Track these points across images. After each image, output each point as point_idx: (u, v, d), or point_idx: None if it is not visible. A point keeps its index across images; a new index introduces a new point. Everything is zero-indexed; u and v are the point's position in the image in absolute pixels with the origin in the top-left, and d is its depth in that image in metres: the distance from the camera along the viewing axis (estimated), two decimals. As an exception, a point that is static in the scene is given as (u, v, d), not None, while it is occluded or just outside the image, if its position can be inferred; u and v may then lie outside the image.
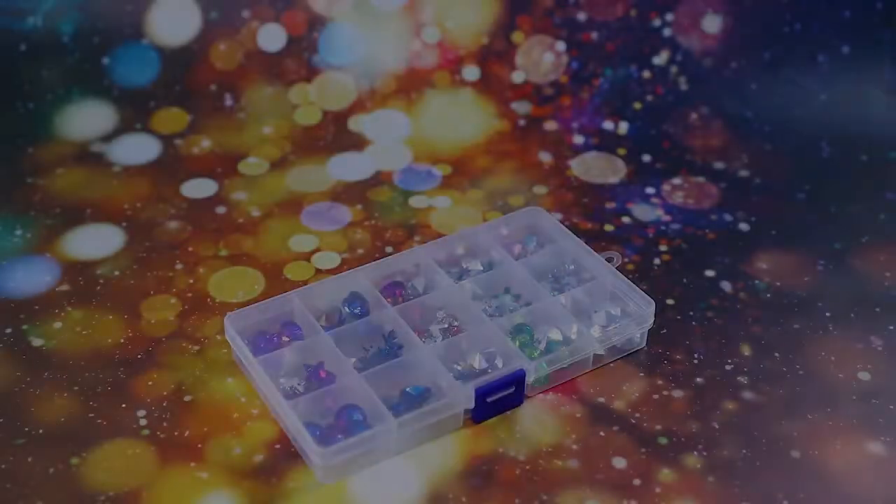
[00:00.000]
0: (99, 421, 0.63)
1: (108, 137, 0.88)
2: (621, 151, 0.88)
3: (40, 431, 0.62)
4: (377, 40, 0.93)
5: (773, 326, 0.70)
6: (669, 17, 0.93)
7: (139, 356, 0.67)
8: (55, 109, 0.89)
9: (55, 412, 0.64)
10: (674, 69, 0.93)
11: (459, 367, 0.65)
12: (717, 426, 0.63)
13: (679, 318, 0.71)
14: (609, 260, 0.72)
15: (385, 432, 0.60)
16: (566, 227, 0.75)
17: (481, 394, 0.62)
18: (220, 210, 0.81)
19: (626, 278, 0.69)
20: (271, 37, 0.92)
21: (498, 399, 0.63)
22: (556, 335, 0.66)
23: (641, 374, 0.67)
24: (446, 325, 0.67)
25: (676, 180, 0.84)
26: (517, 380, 0.63)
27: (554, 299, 0.68)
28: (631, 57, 0.93)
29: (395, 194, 0.83)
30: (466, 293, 0.69)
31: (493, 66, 0.93)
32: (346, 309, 0.68)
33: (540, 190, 0.83)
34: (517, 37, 0.93)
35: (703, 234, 0.79)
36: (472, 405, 0.62)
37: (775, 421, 0.63)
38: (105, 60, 0.90)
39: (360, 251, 0.76)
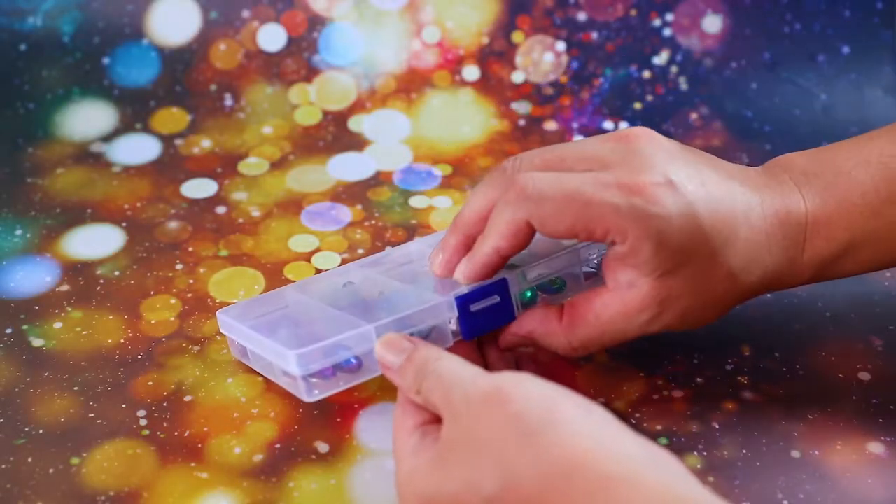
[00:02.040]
0: (99, 421, 0.63)
1: (108, 137, 0.88)
2: (621, 151, 0.88)
3: (40, 431, 0.62)
4: (377, 40, 0.93)
5: (773, 326, 0.70)
6: (669, 17, 0.93)
7: (139, 356, 0.68)
8: (55, 109, 0.89)
9: (55, 412, 0.64)
10: (674, 69, 0.93)
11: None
12: (717, 426, 0.63)
13: (679, 318, 0.71)
14: None
15: (362, 336, 0.58)
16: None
17: (463, 303, 0.60)
18: (220, 210, 0.81)
19: None
20: (271, 37, 0.92)
21: (485, 311, 0.61)
22: (543, 269, 0.65)
23: (642, 374, 0.67)
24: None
25: (676, 180, 0.84)
26: (500, 288, 0.61)
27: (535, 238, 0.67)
28: (631, 57, 0.93)
29: (395, 194, 0.83)
30: None
31: (493, 66, 0.93)
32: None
33: (540, 190, 0.83)
34: (517, 37, 0.93)
35: (703, 234, 0.79)
36: (455, 314, 0.60)
37: (775, 421, 0.63)
38: (105, 60, 0.90)
39: (361, 251, 0.76)
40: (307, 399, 0.59)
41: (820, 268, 0.61)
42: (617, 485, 0.43)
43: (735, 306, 0.61)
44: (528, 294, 0.63)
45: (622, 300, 0.57)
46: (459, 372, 0.51)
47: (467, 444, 0.48)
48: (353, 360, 0.59)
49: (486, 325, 0.62)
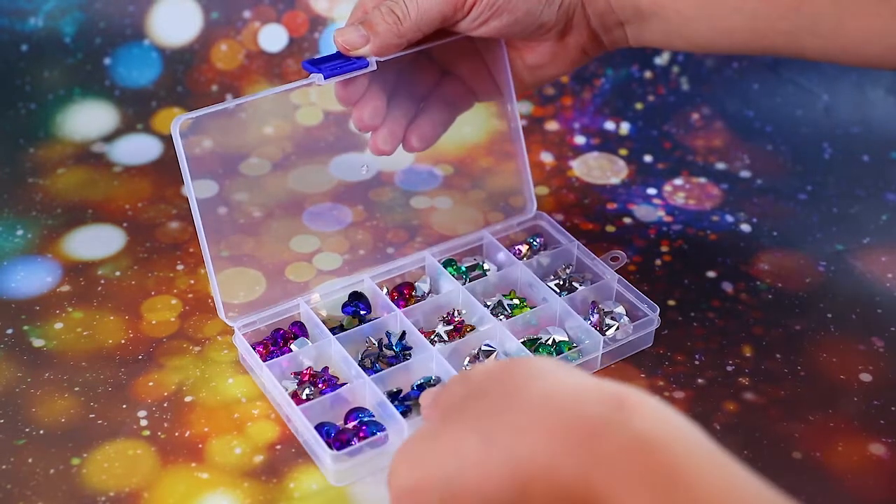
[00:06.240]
0: (100, 421, 0.63)
1: (109, 138, 0.88)
2: (623, 152, 0.88)
3: (41, 432, 0.62)
4: (378, 41, 0.93)
5: (774, 327, 0.70)
6: (671, 17, 0.93)
7: (140, 357, 0.68)
8: (56, 110, 0.89)
9: (56, 412, 0.64)
10: (675, 69, 0.93)
11: (467, 367, 0.65)
12: (718, 427, 0.63)
13: (680, 318, 0.71)
14: (614, 260, 0.72)
15: (397, 431, 0.60)
16: (567, 228, 0.75)
17: None
18: (222, 210, 0.81)
19: (628, 283, 0.70)
20: (272, 37, 0.92)
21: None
22: (561, 335, 0.67)
23: (643, 375, 0.66)
24: (452, 327, 0.67)
25: (678, 181, 0.84)
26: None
27: (559, 299, 0.68)
28: (632, 57, 0.93)
29: (396, 195, 0.83)
30: (472, 294, 0.69)
31: (494, 67, 0.93)
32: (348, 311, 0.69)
33: (541, 191, 0.83)
34: (518, 37, 0.93)
35: (704, 234, 0.79)
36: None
37: (776, 422, 0.63)
38: (106, 61, 0.90)
39: (362, 252, 0.76)
40: (333, 483, 0.59)
41: (635, 18, 0.66)
42: (551, 372, 0.46)
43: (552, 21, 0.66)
44: (554, 354, 0.66)
45: None
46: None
47: (459, 413, 0.48)
48: (381, 433, 0.60)
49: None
